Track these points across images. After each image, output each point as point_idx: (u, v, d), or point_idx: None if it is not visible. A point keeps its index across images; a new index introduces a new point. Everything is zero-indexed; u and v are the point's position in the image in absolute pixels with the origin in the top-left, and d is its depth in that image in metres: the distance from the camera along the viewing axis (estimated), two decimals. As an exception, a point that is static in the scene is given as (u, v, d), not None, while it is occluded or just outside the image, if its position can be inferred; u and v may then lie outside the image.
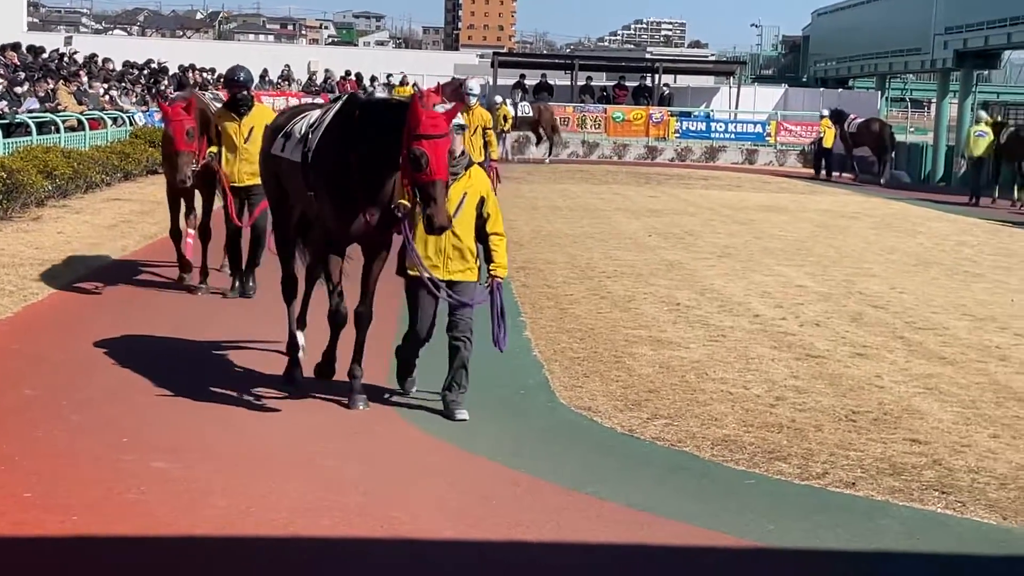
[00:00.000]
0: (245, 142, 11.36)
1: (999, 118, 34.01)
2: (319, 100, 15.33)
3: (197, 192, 12.26)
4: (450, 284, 7.81)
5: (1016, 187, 29.25)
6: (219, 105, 12.71)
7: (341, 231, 7.84)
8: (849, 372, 9.86)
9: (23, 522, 5.84)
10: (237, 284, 11.90)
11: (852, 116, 37.52)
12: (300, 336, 8.79)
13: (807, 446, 7.78)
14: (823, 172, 36.54)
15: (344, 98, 8.14)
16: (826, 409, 8.69)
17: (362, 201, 7.57)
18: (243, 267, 11.88)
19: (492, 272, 7.91)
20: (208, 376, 8.82)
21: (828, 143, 36.72)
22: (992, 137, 30.00)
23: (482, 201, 7.85)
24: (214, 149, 11.55)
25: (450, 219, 7.27)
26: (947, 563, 6.11)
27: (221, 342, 9.87)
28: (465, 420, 7.86)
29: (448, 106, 7.56)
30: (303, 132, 8.08)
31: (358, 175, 7.52)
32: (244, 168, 11.39)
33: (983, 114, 34.44)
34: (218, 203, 12.30)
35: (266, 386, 8.60)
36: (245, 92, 11.62)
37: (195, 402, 8.03)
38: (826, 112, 37.65)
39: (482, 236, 7.93)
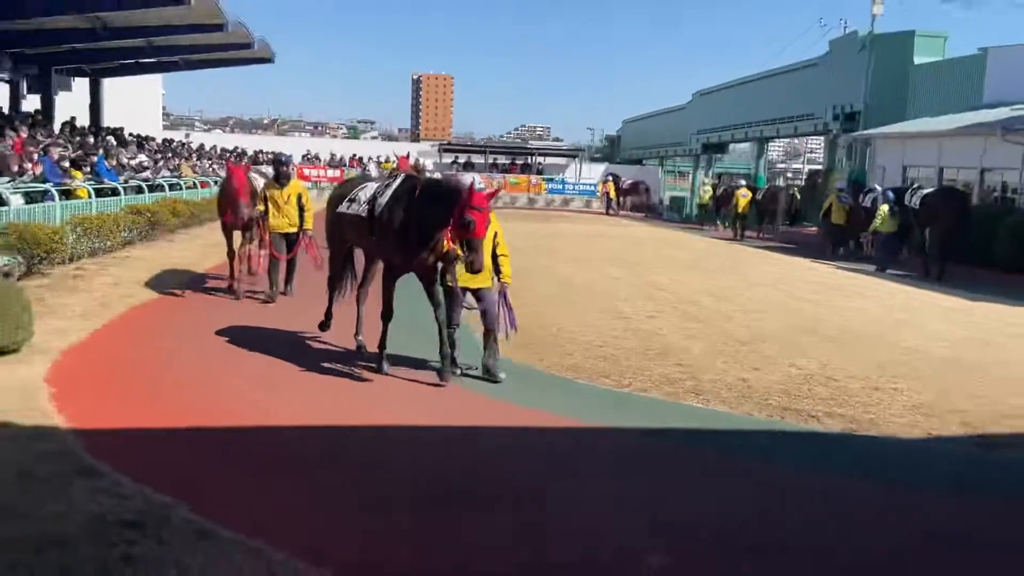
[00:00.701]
0: (285, 203, 10.62)
1: (717, 180, 35.66)
2: (343, 172, 14.55)
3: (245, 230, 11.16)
4: (476, 290, 7.40)
5: (726, 221, 29.01)
6: (261, 179, 11.52)
7: (405, 267, 7.12)
8: (644, 327, 10.00)
9: (179, 422, 5.77)
10: (279, 289, 10.85)
11: (625, 179, 40.05)
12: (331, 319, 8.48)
13: (620, 369, 7.91)
14: (611, 212, 38.14)
15: (403, 177, 7.35)
16: (631, 348, 8.81)
17: (418, 247, 6.92)
18: (285, 282, 11.03)
19: (502, 280, 7.43)
20: (276, 339, 8.67)
21: (612, 195, 38.86)
22: (712, 191, 30.58)
23: (495, 235, 7.34)
24: (261, 207, 10.70)
25: (483, 264, 6.71)
26: (697, 435, 6.27)
27: (287, 321, 9.68)
28: (502, 381, 7.21)
29: (488, 190, 6.86)
30: (368, 197, 7.40)
31: (417, 230, 6.87)
32: (284, 221, 10.65)
33: (706, 178, 37.68)
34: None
35: (314, 344, 8.48)
36: (285, 168, 10.75)
37: (271, 355, 7.84)
38: (609, 177, 40.09)
39: (494, 256, 7.37)
